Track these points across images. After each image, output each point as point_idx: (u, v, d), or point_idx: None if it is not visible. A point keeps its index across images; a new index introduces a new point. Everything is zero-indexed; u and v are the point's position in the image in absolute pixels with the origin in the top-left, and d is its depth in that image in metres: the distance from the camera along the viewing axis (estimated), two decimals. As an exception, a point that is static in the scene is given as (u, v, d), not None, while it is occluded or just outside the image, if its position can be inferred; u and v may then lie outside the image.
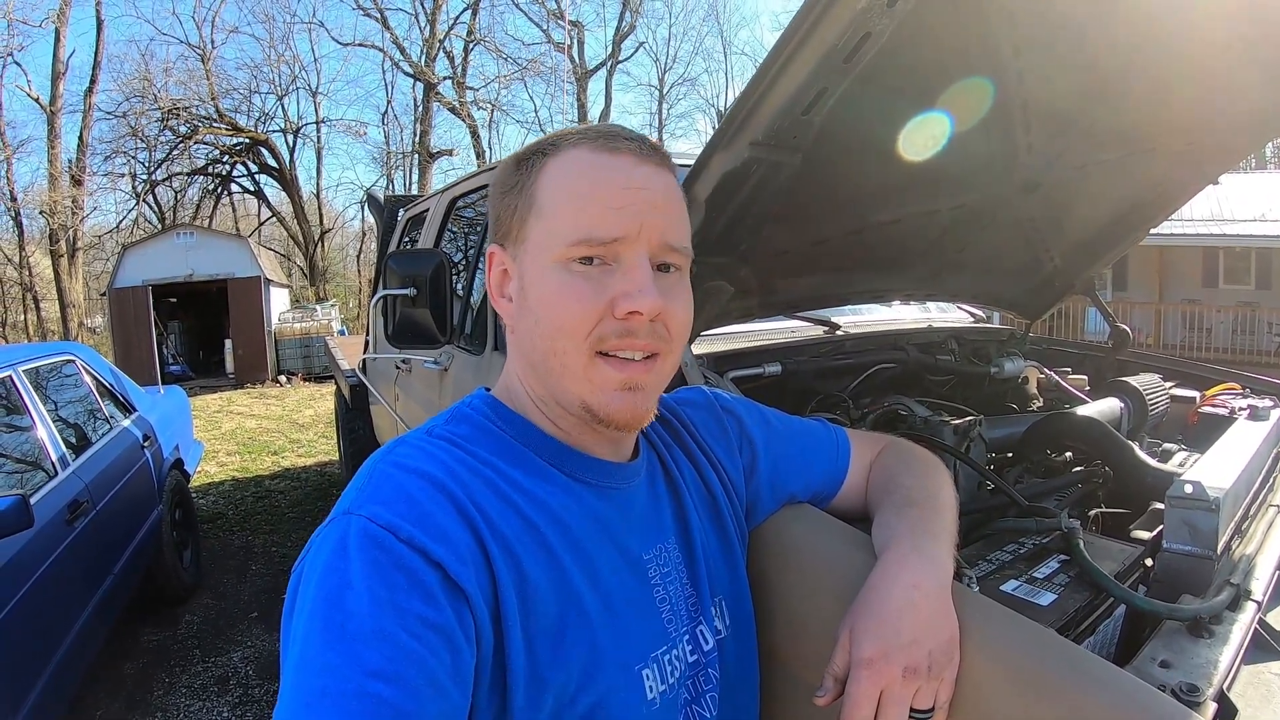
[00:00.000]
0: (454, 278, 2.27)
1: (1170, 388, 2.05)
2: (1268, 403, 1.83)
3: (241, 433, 10.53)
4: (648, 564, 0.82)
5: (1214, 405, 1.95)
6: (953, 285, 2.25)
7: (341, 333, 15.30)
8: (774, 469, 1.02)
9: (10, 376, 3.52)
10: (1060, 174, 1.81)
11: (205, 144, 25.66)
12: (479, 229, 2.96)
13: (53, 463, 3.41)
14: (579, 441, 0.82)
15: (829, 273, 1.85)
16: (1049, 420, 1.66)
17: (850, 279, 1.95)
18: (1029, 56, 1.39)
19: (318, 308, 18.57)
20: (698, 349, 1.62)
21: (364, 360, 4.11)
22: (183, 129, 24.81)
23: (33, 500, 2.75)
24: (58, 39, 22.54)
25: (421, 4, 26.78)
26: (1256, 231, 14.24)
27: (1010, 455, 1.70)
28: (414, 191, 20.24)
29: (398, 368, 3.61)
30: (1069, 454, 1.63)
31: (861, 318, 2.44)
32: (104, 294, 18.43)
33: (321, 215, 29.04)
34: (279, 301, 18.35)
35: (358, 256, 32.21)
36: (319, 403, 13.07)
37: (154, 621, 4.40)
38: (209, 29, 25.29)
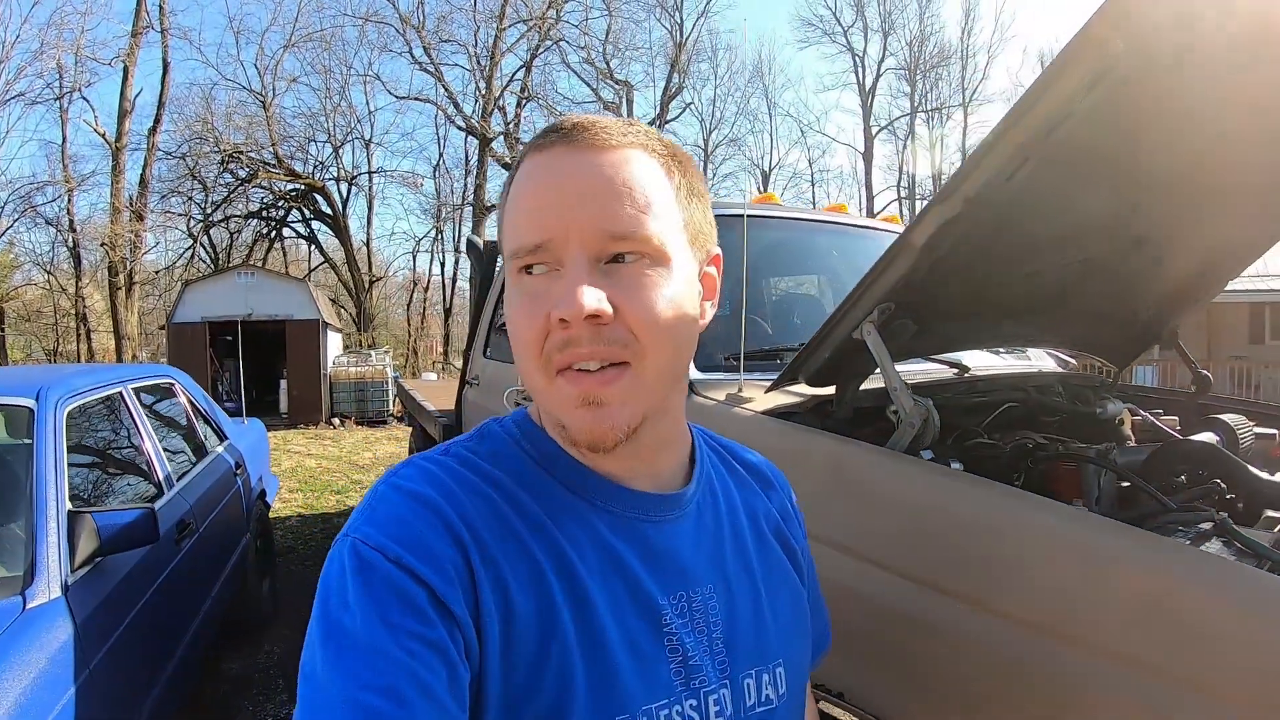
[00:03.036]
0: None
1: (1253, 426, 2.20)
2: None
3: (302, 471, 10.70)
4: (663, 609, 0.74)
5: (1290, 441, 2.16)
6: (1066, 331, 2.38)
7: (396, 378, 15.75)
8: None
9: (121, 393, 3.51)
10: (1161, 229, 1.95)
11: (261, 188, 26.42)
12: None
13: (159, 481, 3.35)
14: (598, 464, 0.76)
15: (982, 319, 2.02)
16: (1170, 446, 1.86)
17: (997, 325, 2.11)
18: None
19: (372, 353, 19.15)
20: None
21: (462, 400, 4.32)
22: (241, 172, 25.60)
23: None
24: (125, 78, 23.38)
25: (477, 61, 27.66)
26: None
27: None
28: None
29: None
30: (1183, 477, 1.80)
31: (980, 361, 2.57)
32: (163, 327, 18.92)
33: (371, 263, 29.74)
34: (334, 345, 18.80)
35: (407, 306, 33.03)
36: (376, 446, 13.31)
37: (233, 650, 4.37)
38: (270, 77, 26.29)
